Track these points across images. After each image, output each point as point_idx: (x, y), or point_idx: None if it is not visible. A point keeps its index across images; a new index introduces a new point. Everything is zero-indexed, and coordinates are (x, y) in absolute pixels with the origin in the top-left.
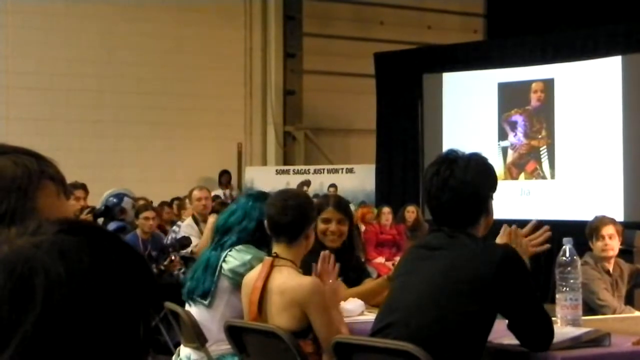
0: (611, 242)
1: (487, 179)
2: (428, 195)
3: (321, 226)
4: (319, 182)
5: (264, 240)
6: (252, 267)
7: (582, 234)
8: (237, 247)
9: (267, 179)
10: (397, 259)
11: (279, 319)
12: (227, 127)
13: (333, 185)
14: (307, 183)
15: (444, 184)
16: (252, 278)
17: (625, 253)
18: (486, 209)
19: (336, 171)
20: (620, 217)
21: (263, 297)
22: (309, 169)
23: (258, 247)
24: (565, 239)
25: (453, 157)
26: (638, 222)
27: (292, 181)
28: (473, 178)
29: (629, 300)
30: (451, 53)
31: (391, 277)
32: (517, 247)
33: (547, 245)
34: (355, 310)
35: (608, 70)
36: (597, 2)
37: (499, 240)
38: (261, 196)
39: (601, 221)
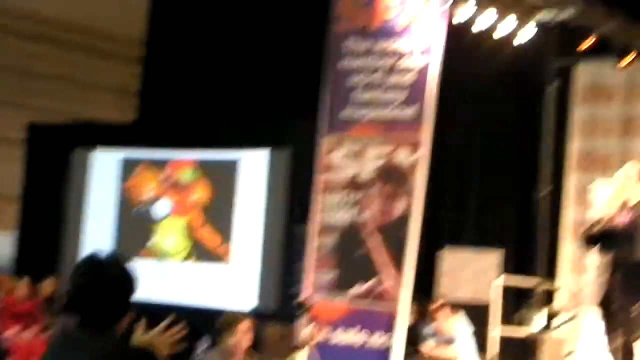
0: (242, 337)
1: (132, 278)
2: (77, 293)
3: None
4: None
5: None
6: None
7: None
8: None
9: None
10: (32, 329)
11: None
12: None
13: None
14: None
15: (97, 281)
16: None
17: (255, 345)
18: (129, 307)
19: None
20: (252, 305)
21: None
22: None
23: None
24: (199, 342)
25: (101, 257)
26: (270, 313)
27: None
28: (123, 277)
29: None
30: (102, 130)
31: None
32: (159, 343)
33: (183, 345)
34: None
35: (254, 162)
36: (250, 94)
37: (137, 337)
38: None
39: (232, 316)
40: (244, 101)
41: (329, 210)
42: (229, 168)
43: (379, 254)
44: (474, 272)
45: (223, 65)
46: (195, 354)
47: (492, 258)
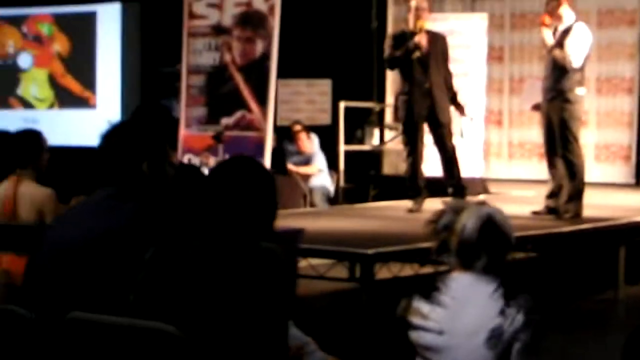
0: None
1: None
2: None
3: None
4: None
5: None
6: None
7: None
8: None
9: None
10: None
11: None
12: None
13: None
14: None
15: None
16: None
17: None
18: None
19: None
20: None
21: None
22: None
23: None
24: None
25: None
26: None
27: None
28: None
29: None
30: None
31: None
32: None
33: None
34: None
35: (109, 14)
36: None
37: None
38: None
39: None
40: None
41: (196, 54)
42: (86, 20)
43: (243, 90)
44: (308, 100)
45: None
46: None
47: (323, 87)
